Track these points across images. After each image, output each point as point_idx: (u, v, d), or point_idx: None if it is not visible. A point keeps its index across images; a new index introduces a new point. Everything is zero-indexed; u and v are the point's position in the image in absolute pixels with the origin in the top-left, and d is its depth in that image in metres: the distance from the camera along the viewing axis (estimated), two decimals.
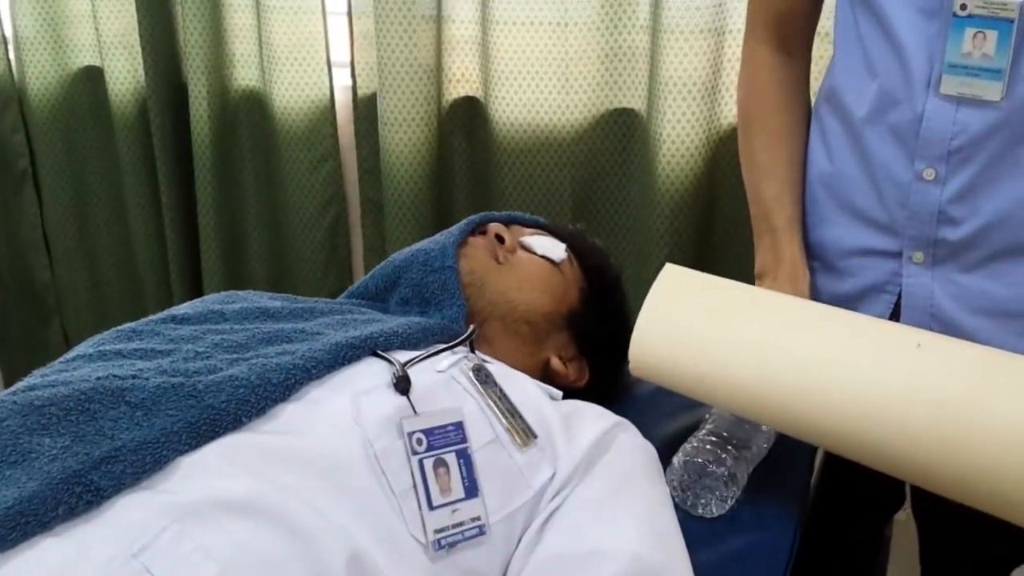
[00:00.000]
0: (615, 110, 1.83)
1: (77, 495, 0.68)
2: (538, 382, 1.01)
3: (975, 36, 0.93)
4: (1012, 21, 0.92)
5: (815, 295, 1.17)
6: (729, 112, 1.78)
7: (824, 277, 1.17)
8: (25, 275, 2.50)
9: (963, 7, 0.93)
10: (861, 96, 1.06)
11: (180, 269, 2.31)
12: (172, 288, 2.32)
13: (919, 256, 1.06)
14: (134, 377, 0.81)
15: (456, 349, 0.97)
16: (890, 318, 1.10)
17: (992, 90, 0.94)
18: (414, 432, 0.82)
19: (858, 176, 1.09)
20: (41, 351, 2.53)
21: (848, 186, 1.11)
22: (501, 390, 0.92)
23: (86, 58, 2.31)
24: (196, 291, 2.32)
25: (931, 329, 1.06)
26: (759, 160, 1.20)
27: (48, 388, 0.79)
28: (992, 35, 0.93)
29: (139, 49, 2.14)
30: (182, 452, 0.75)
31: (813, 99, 1.22)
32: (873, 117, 1.05)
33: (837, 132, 1.12)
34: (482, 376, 0.92)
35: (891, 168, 1.04)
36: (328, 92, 2.08)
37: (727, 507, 1.04)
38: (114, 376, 0.80)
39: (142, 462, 0.72)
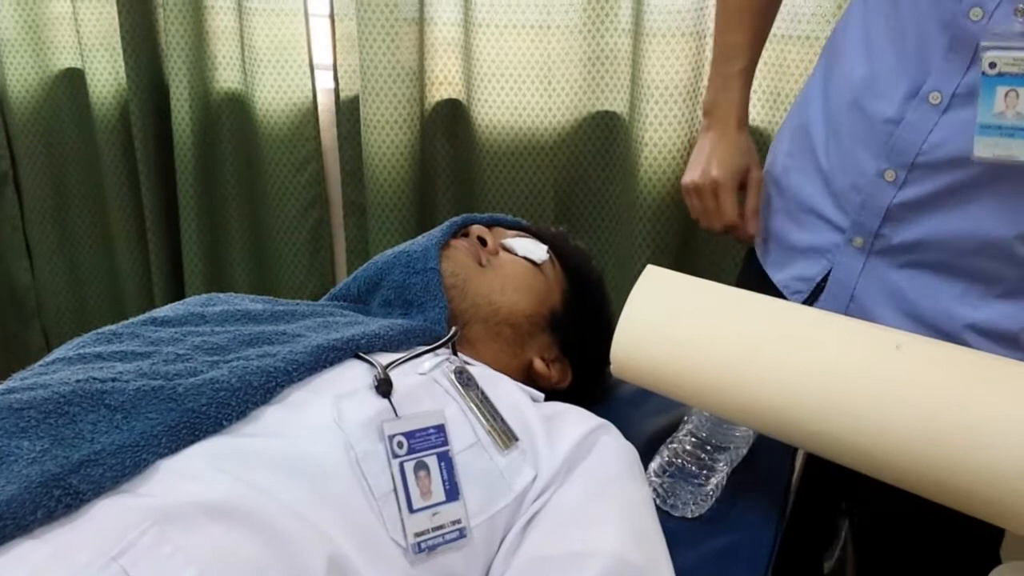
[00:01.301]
0: (597, 113, 1.84)
1: (56, 498, 0.67)
2: (520, 384, 1.01)
3: (1007, 95, 0.90)
4: None
5: (772, 235, 1.24)
6: None
7: (784, 220, 1.21)
8: (5, 278, 2.49)
9: (992, 66, 0.91)
10: (854, 69, 1.08)
11: (162, 272, 2.30)
12: (154, 291, 2.31)
13: (858, 241, 1.09)
14: (114, 380, 0.80)
15: (438, 351, 0.97)
16: (817, 284, 1.15)
17: None
18: (395, 435, 0.82)
19: (832, 149, 1.12)
20: (22, 354, 2.52)
21: (820, 150, 1.14)
22: (483, 393, 0.92)
23: (67, 60, 2.30)
24: (178, 294, 2.31)
25: (847, 313, 1.10)
26: (730, 5, 1.28)
27: (27, 391, 0.78)
28: None
29: (120, 51, 2.13)
30: (162, 455, 0.74)
31: None
32: (856, 99, 1.07)
33: (832, 93, 1.13)
34: (464, 379, 0.92)
35: (858, 156, 1.06)
36: (311, 94, 2.08)
37: (707, 507, 1.04)
38: (94, 379, 0.80)
39: (121, 465, 0.72)
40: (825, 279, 1.14)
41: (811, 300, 1.16)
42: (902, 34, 1.01)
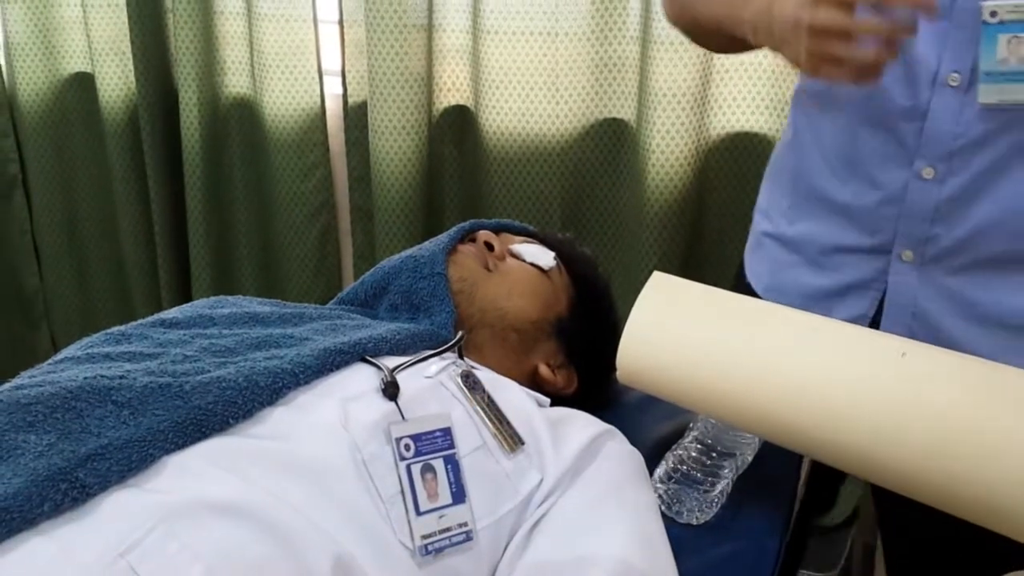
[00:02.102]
0: (605, 120, 1.84)
1: (63, 492, 0.68)
2: (526, 389, 1.01)
3: (1010, 42, 0.91)
4: None
5: (786, 289, 1.17)
6: (718, 123, 1.79)
7: (806, 271, 1.16)
8: (14, 281, 2.49)
9: (993, 14, 0.91)
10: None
11: (169, 276, 2.31)
12: (161, 295, 2.32)
13: (908, 255, 1.05)
14: (121, 377, 0.81)
15: (444, 355, 0.97)
16: (873, 315, 1.10)
17: None
18: (402, 438, 0.82)
19: (846, 177, 1.08)
20: (29, 357, 2.52)
21: (821, 179, 1.11)
22: (489, 396, 0.92)
23: (77, 64, 2.31)
24: (185, 298, 2.32)
25: (912, 329, 1.07)
26: None
27: (35, 387, 0.78)
28: None
29: (130, 56, 2.15)
30: (168, 451, 0.75)
31: None
32: (865, 111, 1.04)
33: (821, 121, 1.11)
34: (470, 382, 0.92)
35: (886, 164, 1.04)
36: (319, 100, 2.09)
37: (712, 514, 1.04)
38: (101, 376, 0.80)
39: (128, 460, 0.72)
40: (879, 311, 1.10)
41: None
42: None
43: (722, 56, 1.72)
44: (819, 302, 1.14)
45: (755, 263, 1.25)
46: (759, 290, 1.22)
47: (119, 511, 0.69)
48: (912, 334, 1.07)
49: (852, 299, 1.12)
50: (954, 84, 0.97)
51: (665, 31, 1.70)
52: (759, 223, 1.25)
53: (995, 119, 0.95)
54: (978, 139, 0.97)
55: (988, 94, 0.93)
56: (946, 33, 0.96)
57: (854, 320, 1.10)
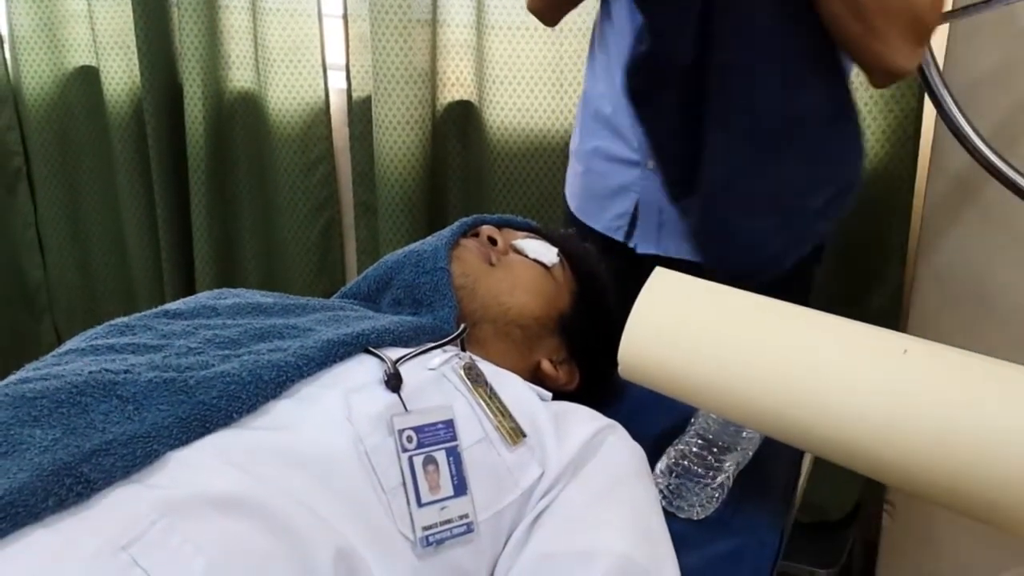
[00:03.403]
0: None
1: (67, 487, 0.68)
2: (528, 383, 1.01)
3: None
4: None
5: (583, 193, 1.46)
6: None
7: (590, 178, 1.43)
8: (18, 274, 2.50)
9: None
10: (621, 40, 1.30)
11: (173, 270, 2.32)
12: (165, 289, 2.32)
13: (651, 163, 1.32)
14: (126, 372, 0.81)
15: (447, 347, 0.97)
16: (632, 212, 1.37)
17: None
18: (404, 429, 0.82)
19: (617, 99, 1.33)
20: (33, 350, 2.52)
21: (606, 106, 1.36)
22: (492, 389, 0.92)
23: (82, 58, 2.31)
24: (189, 291, 2.32)
25: (660, 222, 1.35)
26: None
27: (40, 381, 0.79)
28: None
29: (135, 49, 2.15)
30: (173, 447, 0.75)
31: None
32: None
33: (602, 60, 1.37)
34: (473, 375, 0.92)
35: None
36: (323, 95, 2.09)
37: (712, 509, 1.04)
38: (106, 370, 0.81)
39: (132, 456, 0.72)
40: (637, 208, 1.36)
41: (631, 230, 1.38)
42: None
43: None
44: (599, 201, 1.42)
45: (568, 184, 1.52)
46: (573, 207, 1.49)
47: (122, 505, 0.69)
48: (660, 227, 1.36)
49: (619, 200, 1.38)
50: None
51: None
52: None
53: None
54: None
55: None
56: None
57: (620, 216, 1.39)
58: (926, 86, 1.30)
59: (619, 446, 0.97)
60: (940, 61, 1.31)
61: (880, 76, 1.21)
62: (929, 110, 1.65)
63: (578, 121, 1.48)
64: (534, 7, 1.36)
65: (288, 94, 2.09)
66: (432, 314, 1.03)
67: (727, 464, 1.05)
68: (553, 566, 0.83)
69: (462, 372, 0.92)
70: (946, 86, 1.28)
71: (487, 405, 0.90)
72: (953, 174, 1.44)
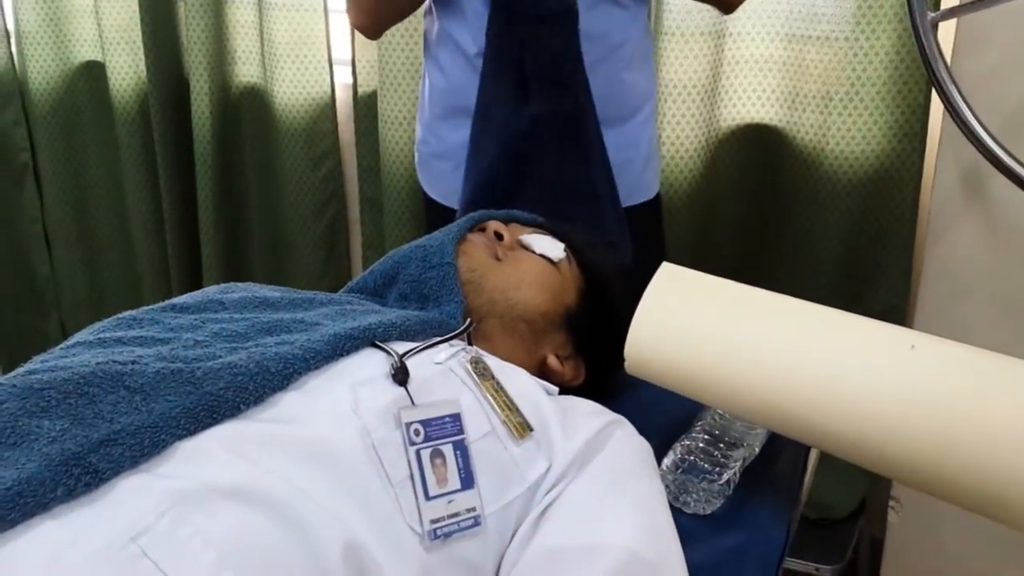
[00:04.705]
0: None
1: (76, 477, 0.68)
2: (535, 377, 1.01)
3: None
4: None
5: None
6: (728, 115, 1.79)
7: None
8: (25, 269, 2.51)
9: None
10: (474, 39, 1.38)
11: (179, 265, 2.32)
12: (171, 284, 2.33)
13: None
14: (133, 363, 0.81)
15: (453, 342, 0.97)
16: None
17: None
18: (412, 423, 0.82)
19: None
20: (39, 344, 2.53)
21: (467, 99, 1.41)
22: (498, 383, 0.92)
23: (88, 53, 2.31)
24: (195, 286, 2.31)
25: None
26: None
27: (47, 372, 0.79)
28: None
29: (141, 44, 2.15)
30: (180, 437, 0.75)
31: None
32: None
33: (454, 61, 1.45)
34: (480, 368, 0.93)
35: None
36: (329, 89, 2.09)
37: (719, 505, 1.04)
38: (113, 361, 0.81)
39: (140, 445, 0.73)
40: None
41: None
42: None
43: (732, 48, 1.72)
44: None
45: (428, 180, 1.57)
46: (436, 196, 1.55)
47: (131, 496, 0.70)
48: None
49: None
50: None
51: (676, 23, 1.70)
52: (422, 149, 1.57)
53: None
54: None
55: None
56: None
57: None
58: (933, 81, 1.29)
59: (626, 441, 0.97)
60: (948, 56, 1.31)
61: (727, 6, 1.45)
62: (936, 105, 1.64)
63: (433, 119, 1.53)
64: (357, 23, 1.47)
65: (294, 89, 2.09)
66: (439, 309, 1.03)
67: (734, 460, 1.05)
68: (559, 560, 0.83)
69: (469, 366, 0.92)
70: (953, 81, 1.28)
71: (494, 399, 0.90)
72: (960, 169, 1.43)
